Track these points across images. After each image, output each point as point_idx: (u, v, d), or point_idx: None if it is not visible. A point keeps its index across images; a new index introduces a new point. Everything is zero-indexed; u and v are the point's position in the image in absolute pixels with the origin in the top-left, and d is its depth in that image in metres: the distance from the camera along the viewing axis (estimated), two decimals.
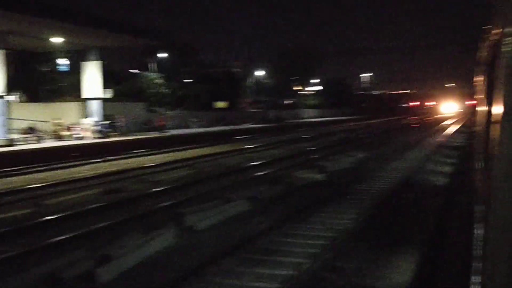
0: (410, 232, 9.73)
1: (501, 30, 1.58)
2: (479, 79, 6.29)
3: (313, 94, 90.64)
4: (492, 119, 1.94)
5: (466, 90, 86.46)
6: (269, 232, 9.49)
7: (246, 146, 29.80)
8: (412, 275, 7.29)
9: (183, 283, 6.83)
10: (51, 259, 7.78)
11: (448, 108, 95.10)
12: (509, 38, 1.20)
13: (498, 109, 1.44)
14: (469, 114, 57.93)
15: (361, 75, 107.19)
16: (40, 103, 37.34)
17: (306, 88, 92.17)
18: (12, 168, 19.70)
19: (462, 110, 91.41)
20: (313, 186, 14.96)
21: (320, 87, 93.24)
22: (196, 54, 63.08)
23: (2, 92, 26.70)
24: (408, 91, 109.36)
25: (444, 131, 42.55)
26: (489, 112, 2.24)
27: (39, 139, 27.55)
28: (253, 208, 11.94)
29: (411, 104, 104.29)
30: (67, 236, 9.40)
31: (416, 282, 6.98)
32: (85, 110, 33.53)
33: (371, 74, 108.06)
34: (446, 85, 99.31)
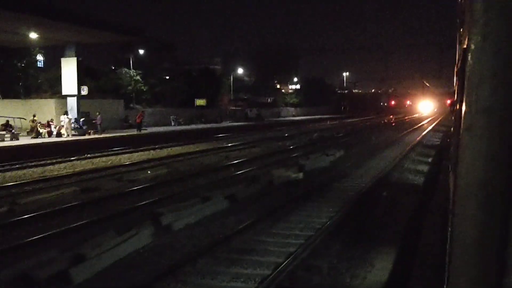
0: (385, 230, 9.84)
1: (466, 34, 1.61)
2: (456, 80, 6.37)
3: (292, 92, 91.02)
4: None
5: (446, 90, 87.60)
6: (246, 231, 9.49)
7: (225, 145, 29.75)
8: (387, 273, 7.38)
9: (159, 284, 6.79)
10: (24, 258, 7.65)
11: (426, 108, 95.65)
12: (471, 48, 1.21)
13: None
14: (448, 114, 58.74)
15: (343, 73, 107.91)
16: (17, 100, 36.74)
17: (286, 87, 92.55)
18: None
19: (439, 109, 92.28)
20: (291, 185, 15.00)
21: (299, 86, 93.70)
22: (174, 51, 62.75)
23: None
24: (390, 90, 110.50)
25: (422, 130, 43.13)
26: (460, 115, 2.27)
27: (15, 136, 27.06)
28: (230, 207, 11.93)
29: (391, 103, 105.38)
30: (41, 235, 9.26)
31: (392, 281, 7.07)
32: (63, 107, 33.06)
33: (348, 73, 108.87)
34: (426, 84, 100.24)
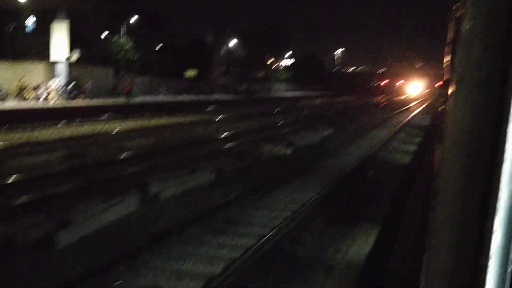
0: (370, 207, 9.96)
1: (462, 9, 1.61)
2: (447, 59, 6.38)
3: (285, 68, 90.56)
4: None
5: (437, 71, 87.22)
6: (232, 204, 9.54)
7: (215, 117, 29.65)
8: (369, 249, 7.50)
9: (143, 251, 6.83)
10: (8, 222, 7.64)
11: (416, 89, 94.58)
12: (467, 18, 1.23)
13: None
14: (437, 96, 58.86)
15: (335, 52, 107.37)
16: (5, 62, 36.10)
17: (278, 62, 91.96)
18: None
19: (429, 90, 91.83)
20: (279, 160, 15.07)
21: (292, 60, 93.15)
22: (166, 22, 61.87)
23: None
24: (382, 70, 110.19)
25: (411, 111, 43.34)
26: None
27: (2, 99, 26.72)
28: (217, 179, 11.97)
29: (382, 83, 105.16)
30: (26, 199, 9.23)
31: (372, 256, 7.19)
32: (52, 72, 32.63)
33: (343, 49, 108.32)
34: (416, 66, 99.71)
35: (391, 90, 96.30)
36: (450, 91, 1.32)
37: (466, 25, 1.24)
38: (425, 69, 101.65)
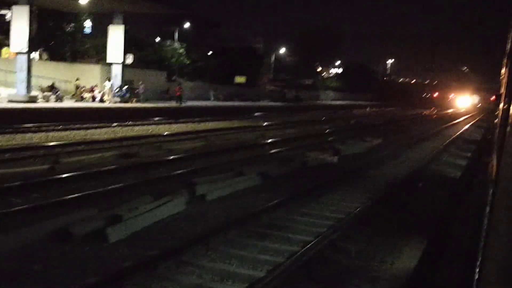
0: (418, 220, 9.78)
1: None
2: (503, 71, 6.21)
3: (333, 76, 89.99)
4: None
5: (492, 85, 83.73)
6: (277, 208, 9.60)
7: (262, 123, 29.85)
8: (415, 263, 7.38)
9: (190, 249, 7.00)
10: (64, 214, 8.01)
11: (467, 102, 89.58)
12: None
13: None
14: (491, 110, 56.63)
15: (387, 62, 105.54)
16: (63, 63, 37.69)
17: (327, 70, 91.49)
18: (32, 125, 20.06)
19: (480, 105, 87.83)
20: (325, 168, 15.01)
21: (341, 70, 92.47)
22: (218, 27, 62.82)
23: (25, 49, 26.97)
24: (433, 82, 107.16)
25: (462, 124, 42.09)
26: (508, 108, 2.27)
27: (60, 98, 27.91)
28: (263, 183, 12.07)
29: (434, 95, 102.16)
30: (81, 194, 9.64)
31: (419, 269, 7.07)
32: (107, 74, 33.79)
33: (392, 60, 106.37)
34: (468, 79, 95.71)
35: (442, 102, 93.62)
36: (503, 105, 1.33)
37: None
38: (479, 83, 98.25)
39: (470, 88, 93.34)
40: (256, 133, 23.93)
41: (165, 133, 21.50)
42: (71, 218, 7.82)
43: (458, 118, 50.77)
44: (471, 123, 44.59)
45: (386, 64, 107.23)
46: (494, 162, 4.18)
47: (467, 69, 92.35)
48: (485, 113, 62.18)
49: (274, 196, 10.71)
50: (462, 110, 75.02)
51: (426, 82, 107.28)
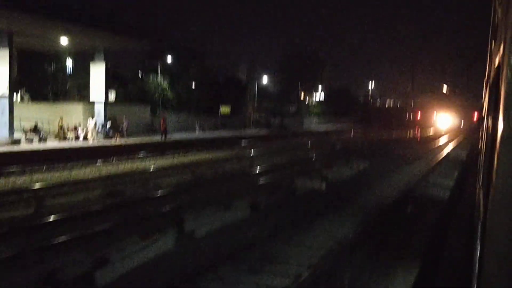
0: (408, 245, 9.74)
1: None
2: (486, 94, 6.28)
3: (317, 102, 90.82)
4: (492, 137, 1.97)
5: (472, 103, 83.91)
6: (268, 240, 9.51)
7: (248, 152, 29.83)
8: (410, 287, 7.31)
9: None
10: (51, 259, 7.82)
11: (449, 122, 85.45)
12: None
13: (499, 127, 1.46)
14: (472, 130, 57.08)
15: (369, 85, 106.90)
16: (45, 103, 37.52)
17: (310, 96, 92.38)
18: (16, 168, 19.77)
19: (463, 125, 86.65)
20: (314, 195, 14.97)
21: (323, 95, 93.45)
22: (201, 59, 63.29)
23: (6, 91, 26.84)
24: (416, 102, 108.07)
25: (447, 144, 42.53)
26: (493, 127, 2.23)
27: (43, 139, 27.66)
28: (253, 215, 11.98)
29: (417, 116, 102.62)
30: (67, 237, 9.44)
31: None
32: (90, 112, 33.69)
33: (374, 82, 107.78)
34: (449, 96, 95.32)
35: (426, 123, 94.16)
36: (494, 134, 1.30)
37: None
38: (461, 101, 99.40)
39: (451, 106, 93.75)
40: (243, 163, 23.87)
41: (151, 169, 21.34)
42: (58, 263, 7.64)
43: (443, 138, 51.29)
44: (456, 143, 45.07)
45: (368, 88, 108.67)
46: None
47: (449, 88, 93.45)
48: (470, 133, 62.54)
49: (264, 227, 10.63)
50: (444, 131, 74.64)
51: (409, 104, 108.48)
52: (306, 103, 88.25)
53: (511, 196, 1.16)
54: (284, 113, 72.49)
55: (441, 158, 28.00)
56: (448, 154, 31.35)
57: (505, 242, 1.19)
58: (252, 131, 51.45)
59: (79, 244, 9.00)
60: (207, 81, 58.87)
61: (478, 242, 2.69)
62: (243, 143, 38.58)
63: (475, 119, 60.22)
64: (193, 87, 55.37)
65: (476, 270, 2.46)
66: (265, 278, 7.60)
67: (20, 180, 17.55)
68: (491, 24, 4.66)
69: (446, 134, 60.62)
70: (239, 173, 19.95)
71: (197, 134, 42.88)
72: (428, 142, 42.85)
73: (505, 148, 1.21)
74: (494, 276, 1.28)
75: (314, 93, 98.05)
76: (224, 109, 51.84)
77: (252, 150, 31.89)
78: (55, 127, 31.40)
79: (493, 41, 3.94)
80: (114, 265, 7.60)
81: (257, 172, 20.24)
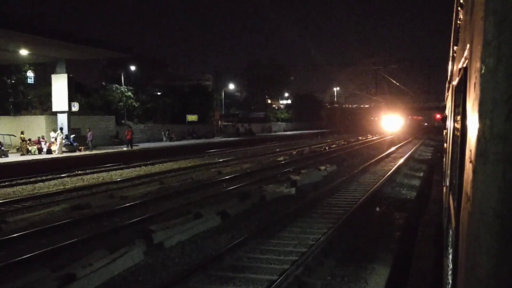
0: (378, 246, 9.81)
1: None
2: (449, 96, 6.37)
3: (283, 107, 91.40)
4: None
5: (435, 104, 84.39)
6: (238, 248, 9.41)
7: (216, 160, 29.68)
8: None
9: None
10: (14, 278, 7.52)
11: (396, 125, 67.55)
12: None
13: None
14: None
15: (334, 89, 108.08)
16: (6, 116, 36.46)
17: (276, 102, 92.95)
18: None
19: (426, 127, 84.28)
20: (283, 200, 14.96)
21: (289, 101, 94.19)
22: (165, 67, 62.82)
23: None
24: (379, 105, 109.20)
25: (412, 145, 43.35)
26: (460, 133, 2.21)
27: (4, 154, 26.81)
28: (222, 223, 11.86)
29: (379, 118, 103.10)
30: (31, 254, 9.12)
31: None
32: (53, 124, 32.88)
33: (338, 88, 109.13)
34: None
35: (390, 125, 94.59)
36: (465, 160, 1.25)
37: (485, 88, 1.14)
38: (423, 102, 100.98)
39: (408, 108, 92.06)
40: (212, 171, 23.70)
41: (117, 180, 20.94)
42: (21, 282, 7.35)
43: (408, 139, 52.23)
44: (420, 142, 45.99)
45: (333, 92, 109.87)
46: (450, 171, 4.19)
47: (407, 89, 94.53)
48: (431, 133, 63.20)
49: (234, 236, 10.53)
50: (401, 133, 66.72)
51: (372, 106, 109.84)
52: (274, 109, 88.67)
53: (488, 206, 1.12)
54: (252, 119, 72.63)
55: (406, 156, 28.49)
56: (413, 152, 31.92)
57: (485, 265, 1.13)
58: (220, 138, 51.25)
59: (43, 261, 8.71)
60: (173, 90, 58.43)
61: (450, 252, 2.66)
62: (212, 150, 38.38)
63: (436, 118, 60.70)
64: (158, 95, 54.87)
65: (449, 282, 2.44)
66: (237, 287, 7.49)
67: None
68: (452, 27, 4.72)
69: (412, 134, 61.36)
70: (208, 181, 19.76)
71: (165, 143, 42.40)
72: (393, 143, 43.47)
73: (482, 158, 1.16)
74: None
75: (281, 99, 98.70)
76: (191, 117, 51.51)
77: (221, 157, 31.75)
78: (17, 141, 30.49)
79: (455, 44, 3.98)
80: (80, 282, 7.35)
81: (227, 179, 20.10)
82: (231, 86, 77.56)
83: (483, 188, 1.13)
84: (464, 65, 1.95)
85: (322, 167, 22.28)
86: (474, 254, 1.18)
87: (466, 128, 1.57)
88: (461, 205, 1.63)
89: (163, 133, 45.23)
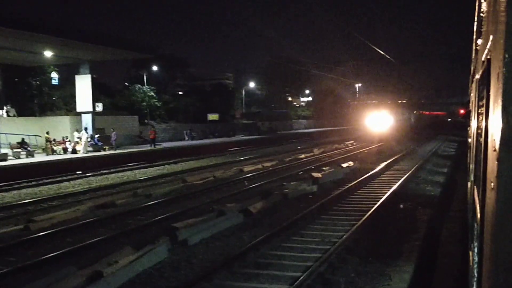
0: (402, 243, 9.72)
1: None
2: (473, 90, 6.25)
3: (304, 105, 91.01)
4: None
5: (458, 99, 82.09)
6: (262, 246, 9.44)
7: (239, 158, 29.77)
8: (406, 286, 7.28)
9: None
10: (42, 276, 7.69)
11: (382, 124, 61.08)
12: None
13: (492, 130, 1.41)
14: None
15: (356, 85, 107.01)
16: (32, 117, 37.19)
17: (297, 100, 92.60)
18: (4, 184, 19.52)
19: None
20: (305, 198, 14.93)
21: (310, 98, 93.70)
22: (187, 67, 63.17)
23: None
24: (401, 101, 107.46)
25: (437, 140, 42.73)
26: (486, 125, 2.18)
27: (30, 154, 27.35)
28: (246, 221, 11.90)
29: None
30: (58, 252, 9.31)
31: None
32: (77, 124, 33.41)
33: (360, 84, 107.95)
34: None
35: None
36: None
37: (509, 77, 1.15)
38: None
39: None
40: (234, 169, 23.78)
41: (141, 178, 21.20)
42: (49, 280, 7.51)
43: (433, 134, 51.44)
44: (442, 138, 45.24)
45: (355, 88, 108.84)
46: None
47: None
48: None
49: (257, 233, 10.56)
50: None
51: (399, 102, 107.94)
52: (294, 106, 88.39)
53: None
54: (273, 117, 72.47)
55: (429, 153, 28.09)
56: (437, 148, 31.47)
57: (509, 246, 1.13)
58: (241, 136, 51.34)
59: (70, 259, 8.87)
60: (194, 89, 58.79)
61: (475, 245, 2.63)
62: (233, 149, 38.50)
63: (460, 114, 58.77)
64: (180, 95, 55.28)
65: (475, 275, 2.41)
66: (260, 283, 7.52)
67: (8, 196, 17.31)
68: (476, 19, 4.65)
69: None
70: (230, 179, 19.84)
71: (187, 142, 42.69)
72: (418, 140, 42.81)
73: (506, 146, 1.16)
74: (497, 283, 1.24)
75: (302, 97, 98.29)
76: (213, 116, 51.79)
77: (242, 156, 31.82)
78: (42, 141, 31.07)
79: (478, 37, 3.92)
80: (106, 279, 7.47)
81: (249, 177, 20.16)
82: (252, 85, 77.54)
83: (507, 176, 1.13)
84: (488, 57, 1.93)
85: (344, 165, 22.15)
86: (499, 241, 1.18)
87: (490, 119, 1.56)
88: (486, 195, 1.62)
89: (185, 132, 45.54)
